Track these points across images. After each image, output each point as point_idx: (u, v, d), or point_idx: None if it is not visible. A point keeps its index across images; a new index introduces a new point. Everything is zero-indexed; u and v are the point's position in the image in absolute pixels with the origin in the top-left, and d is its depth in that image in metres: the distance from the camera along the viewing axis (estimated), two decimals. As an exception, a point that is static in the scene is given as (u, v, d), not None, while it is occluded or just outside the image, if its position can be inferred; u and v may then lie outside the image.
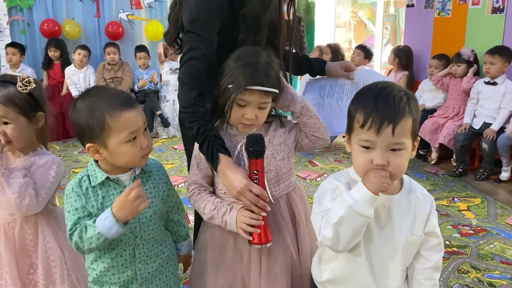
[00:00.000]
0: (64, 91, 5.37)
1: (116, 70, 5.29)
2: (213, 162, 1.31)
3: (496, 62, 3.58)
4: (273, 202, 1.37)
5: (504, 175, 3.51)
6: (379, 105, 1.04)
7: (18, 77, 1.38)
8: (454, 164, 3.93)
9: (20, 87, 1.35)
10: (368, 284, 1.17)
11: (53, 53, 5.41)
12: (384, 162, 1.04)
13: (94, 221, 1.18)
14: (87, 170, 1.28)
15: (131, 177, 1.29)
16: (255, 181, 1.29)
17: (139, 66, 5.45)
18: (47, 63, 5.50)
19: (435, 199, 3.39)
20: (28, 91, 1.36)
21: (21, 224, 1.41)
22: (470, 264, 2.44)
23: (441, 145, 4.06)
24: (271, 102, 1.35)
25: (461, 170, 3.80)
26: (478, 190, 3.52)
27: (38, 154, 1.44)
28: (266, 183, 1.32)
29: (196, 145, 1.39)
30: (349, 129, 1.13)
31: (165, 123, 5.09)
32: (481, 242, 2.69)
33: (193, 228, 1.73)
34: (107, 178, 1.25)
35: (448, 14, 4.29)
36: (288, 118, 1.50)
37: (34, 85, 1.36)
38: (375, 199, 1.04)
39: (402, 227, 1.14)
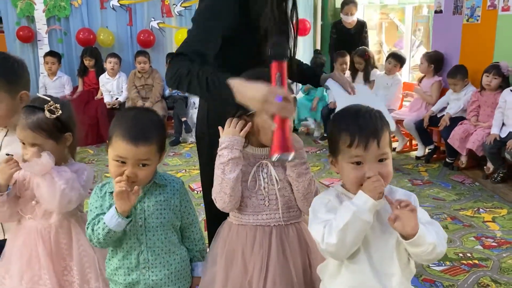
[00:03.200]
0: (98, 95, 5.60)
1: (147, 78, 5.46)
2: (227, 90, 1.28)
3: None
4: (283, 225, 1.42)
5: None
6: (362, 125, 1.18)
7: (46, 104, 1.47)
8: (487, 172, 3.87)
9: (48, 114, 1.45)
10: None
11: (89, 62, 5.64)
12: (376, 173, 1.17)
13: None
14: (109, 178, 1.44)
15: (143, 188, 1.40)
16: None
17: (169, 73, 5.60)
18: (83, 71, 5.75)
19: (459, 210, 3.37)
20: (55, 117, 1.47)
21: (56, 229, 1.53)
22: (491, 278, 2.43)
23: (469, 153, 4.01)
24: None
25: (502, 175, 3.74)
26: (505, 200, 3.47)
27: (69, 164, 1.56)
28: (279, 206, 1.38)
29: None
30: (335, 152, 1.24)
31: (187, 129, 5.26)
32: (504, 255, 2.66)
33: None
34: None
35: (478, 20, 4.23)
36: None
37: (60, 111, 1.47)
38: (375, 205, 1.15)
39: (388, 226, 1.20)
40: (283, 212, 1.43)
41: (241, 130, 1.38)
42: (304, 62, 1.96)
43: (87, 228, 1.38)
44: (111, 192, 1.38)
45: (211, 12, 1.47)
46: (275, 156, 1.22)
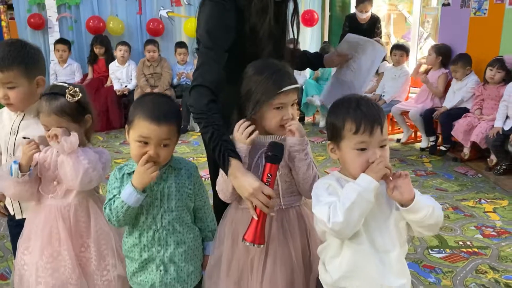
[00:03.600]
0: (108, 83, 5.68)
1: (155, 66, 5.54)
2: (225, 165, 1.44)
3: None
4: (284, 209, 1.50)
5: None
6: (366, 112, 1.25)
7: (66, 89, 1.56)
8: (490, 164, 3.94)
9: (69, 98, 1.54)
10: (379, 272, 1.28)
11: (99, 50, 5.72)
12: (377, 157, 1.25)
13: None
14: (128, 161, 1.53)
15: (160, 171, 1.46)
16: (266, 184, 1.40)
17: (178, 62, 5.68)
18: (93, 59, 5.83)
19: (461, 200, 3.43)
20: (76, 100, 1.56)
21: (75, 208, 1.62)
22: (489, 265, 2.50)
23: (472, 145, 4.07)
24: None
25: (504, 167, 3.81)
26: (507, 192, 3.53)
27: (89, 148, 1.65)
28: (280, 192, 1.46)
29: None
30: (338, 138, 1.30)
31: None
32: (503, 244, 2.74)
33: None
34: None
35: (485, 14, 4.26)
36: None
37: (80, 94, 1.56)
38: (378, 186, 1.22)
39: (388, 207, 1.29)
40: (283, 197, 1.50)
41: (249, 135, 1.45)
42: (311, 50, 2.07)
43: (105, 208, 1.46)
44: (129, 174, 1.47)
45: (214, 38, 1.55)
46: (248, 243, 1.39)
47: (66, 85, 1.58)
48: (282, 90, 1.42)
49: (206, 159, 1.80)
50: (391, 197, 1.24)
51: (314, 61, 2.02)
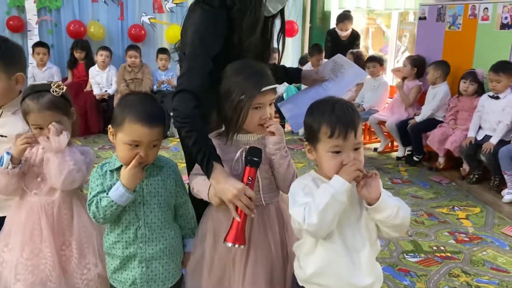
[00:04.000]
0: (87, 88, 5.63)
1: (136, 72, 5.53)
2: (208, 169, 1.47)
3: (502, 80, 3.68)
4: (264, 205, 1.54)
5: (507, 198, 3.47)
6: (341, 117, 1.29)
7: (49, 85, 1.59)
8: (463, 173, 4.05)
9: (56, 92, 1.56)
10: (349, 271, 1.32)
11: (79, 55, 5.68)
12: (352, 160, 1.29)
13: (107, 194, 1.44)
14: (110, 158, 1.53)
15: (144, 168, 1.49)
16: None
17: (159, 68, 5.69)
18: (73, 63, 5.78)
19: (436, 207, 3.53)
20: (61, 94, 1.57)
21: (59, 205, 1.62)
22: (461, 269, 2.58)
23: (447, 154, 4.19)
24: None
25: (477, 176, 3.91)
26: (479, 200, 3.64)
27: (74, 147, 1.67)
28: (260, 188, 1.51)
29: None
30: (314, 140, 1.34)
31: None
32: (474, 249, 2.82)
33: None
34: (122, 166, 1.47)
35: (459, 28, 4.41)
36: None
37: (64, 87, 1.58)
38: (350, 188, 1.27)
39: (360, 207, 1.34)
40: (264, 193, 1.55)
41: None
42: (291, 61, 2.10)
43: (90, 205, 1.46)
44: (112, 171, 1.49)
45: (203, 45, 1.57)
46: (229, 244, 1.44)
47: (46, 82, 1.62)
48: (261, 90, 1.46)
49: (185, 165, 1.81)
50: (359, 195, 1.29)
51: (292, 75, 2.01)
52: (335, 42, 5.70)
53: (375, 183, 1.27)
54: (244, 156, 1.49)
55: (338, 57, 2.04)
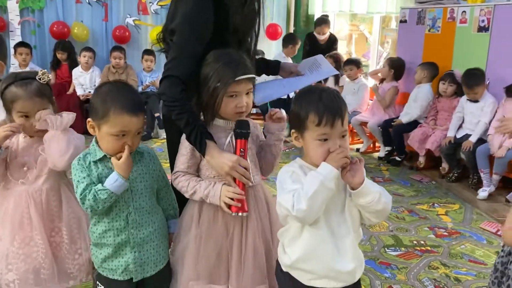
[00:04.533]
0: (71, 90, 5.59)
1: (121, 73, 5.52)
2: (201, 147, 1.53)
3: (478, 91, 3.82)
4: (253, 184, 1.59)
5: (481, 195, 3.61)
6: (329, 105, 1.31)
7: (33, 72, 1.61)
8: (443, 172, 4.14)
9: (42, 79, 1.58)
10: (333, 256, 1.36)
11: (61, 55, 5.65)
12: (338, 147, 1.33)
13: (103, 186, 1.44)
14: (89, 149, 1.53)
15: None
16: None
17: (144, 69, 5.69)
18: (55, 64, 5.74)
19: (416, 204, 3.58)
20: (46, 82, 1.60)
21: (47, 192, 1.63)
22: (441, 262, 2.65)
23: (427, 154, 4.28)
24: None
25: (456, 174, 4.02)
26: (458, 197, 3.73)
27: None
28: (250, 170, 1.55)
29: (183, 137, 1.61)
30: (302, 128, 1.36)
31: (161, 125, 5.33)
32: (453, 243, 2.90)
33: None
34: (105, 156, 1.49)
35: (438, 31, 4.52)
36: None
37: (50, 76, 1.60)
38: (338, 175, 1.30)
39: (345, 194, 1.38)
40: (253, 175, 1.60)
41: None
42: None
43: (83, 198, 1.45)
44: (95, 162, 1.50)
45: (193, 32, 1.60)
46: (234, 213, 1.53)
47: (28, 70, 1.63)
48: (236, 79, 1.51)
49: (169, 164, 1.83)
50: (343, 179, 1.33)
51: (271, 67, 2.04)
52: (313, 46, 5.82)
53: (359, 168, 1.31)
54: (233, 130, 1.54)
55: (320, 57, 2.09)
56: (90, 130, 1.50)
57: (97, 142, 1.52)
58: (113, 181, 1.44)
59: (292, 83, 1.96)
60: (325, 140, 1.33)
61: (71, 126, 1.62)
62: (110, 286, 1.57)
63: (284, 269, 1.44)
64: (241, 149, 1.54)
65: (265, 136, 1.70)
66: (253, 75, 1.59)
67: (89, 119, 1.48)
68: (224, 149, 1.57)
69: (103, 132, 1.45)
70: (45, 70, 1.62)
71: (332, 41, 5.95)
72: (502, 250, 1.61)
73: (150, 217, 1.56)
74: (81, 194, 1.46)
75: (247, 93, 1.57)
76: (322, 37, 5.86)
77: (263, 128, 1.71)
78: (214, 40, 1.63)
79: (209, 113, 1.58)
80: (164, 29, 1.73)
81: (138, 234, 1.53)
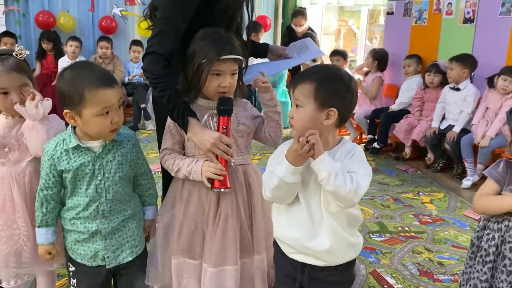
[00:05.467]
0: (56, 81, 5.53)
1: (107, 64, 5.47)
2: (184, 124, 1.53)
3: (454, 68, 3.85)
4: (233, 167, 1.60)
5: (465, 184, 3.64)
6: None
7: (9, 50, 1.59)
8: (428, 162, 4.18)
9: (20, 55, 1.57)
10: (308, 234, 1.36)
11: (46, 45, 5.57)
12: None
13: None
14: (64, 134, 1.48)
15: (102, 145, 1.48)
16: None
17: (131, 60, 5.65)
18: (41, 54, 5.67)
19: (401, 193, 3.61)
20: (23, 58, 1.58)
21: (30, 174, 1.62)
22: (424, 247, 2.68)
23: (413, 144, 4.32)
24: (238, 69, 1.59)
25: (441, 165, 4.06)
26: (442, 186, 3.78)
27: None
28: (232, 146, 1.57)
29: (169, 118, 1.61)
30: None
31: (147, 116, 5.30)
32: (437, 229, 2.94)
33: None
34: (78, 145, 1.45)
35: (424, 22, 4.56)
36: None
37: (27, 52, 1.58)
38: (298, 169, 1.29)
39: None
40: (233, 156, 1.59)
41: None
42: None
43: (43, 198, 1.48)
44: (67, 150, 1.46)
45: (175, 7, 1.57)
46: (216, 189, 1.54)
47: (3, 48, 1.62)
48: (221, 57, 1.51)
49: (156, 154, 1.83)
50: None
51: (260, 49, 2.04)
52: (292, 38, 5.80)
53: (317, 145, 1.27)
54: (216, 107, 1.55)
55: (308, 40, 2.10)
56: (71, 122, 1.43)
57: (73, 128, 1.46)
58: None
59: (279, 65, 1.97)
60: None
61: (58, 116, 1.59)
62: (80, 269, 1.55)
63: (276, 241, 1.49)
64: (224, 126, 1.54)
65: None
66: (239, 57, 1.57)
67: (65, 110, 1.40)
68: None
69: (86, 117, 1.38)
70: (22, 46, 1.59)
71: (309, 35, 6.02)
72: (478, 225, 1.64)
73: (122, 206, 1.54)
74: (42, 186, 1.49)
75: (232, 74, 1.57)
76: (299, 29, 5.92)
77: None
78: (202, 18, 1.63)
79: (193, 90, 1.58)
80: (149, 5, 1.72)
81: (109, 223, 1.52)
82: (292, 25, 5.98)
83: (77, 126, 1.47)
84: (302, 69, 2.84)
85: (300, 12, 5.96)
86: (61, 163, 1.44)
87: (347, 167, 1.31)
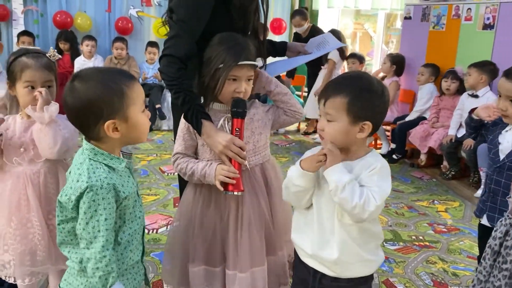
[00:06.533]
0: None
1: (123, 64, 5.51)
2: (198, 127, 1.53)
3: (472, 74, 3.79)
4: (249, 169, 1.58)
5: (480, 193, 3.56)
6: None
7: (43, 51, 1.64)
8: (444, 170, 4.12)
9: (52, 57, 1.63)
10: (317, 241, 1.35)
11: (63, 46, 5.63)
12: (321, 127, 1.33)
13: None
14: (94, 159, 1.17)
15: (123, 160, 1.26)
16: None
17: (146, 61, 5.68)
18: (58, 54, 5.72)
19: (416, 200, 3.55)
20: (54, 61, 1.63)
21: (45, 174, 1.63)
22: (439, 257, 2.63)
23: (429, 151, 4.25)
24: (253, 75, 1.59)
25: (453, 173, 4.00)
26: (458, 195, 3.71)
27: (59, 116, 1.65)
28: (245, 149, 1.56)
29: (181, 120, 1.61)
30: None
31: (162, 116, 5.34)
32: (452, 239, 2.88)
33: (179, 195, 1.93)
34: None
35: (443, 28, 4.50)
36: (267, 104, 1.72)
37: (59, 56, 1.62)
38: (306, 175, 1.30)
39: None
40: (249, 157, 1.59)
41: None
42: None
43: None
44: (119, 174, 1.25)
45: (191, 11, 1.58)
46: (229, 193, 1.53)
47: (37, 48, 1.66)
48: (238, 63, 1.51)
49: (169, 156, 1.83)
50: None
51: (278, 48, 2.03)
52: (297, 39, 5.49)
53: (334, 156, 1.27)
54: (230, 110, 1.55)
55: (328, 35, 2.10)
56: (114, 134, 1.17)
57: (93, 159, 1.17)
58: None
59: (298, 59, 1.98)
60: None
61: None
62: None
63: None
64: (237, 129, 1.54)
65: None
66: (255, 63, 1.58)
67: (108, 122, 1.15)
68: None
69: (133, 118, 1.18)
70: (55, 50, 1.66)
71: (313, 33, 5.75)
72: (498, 231, 1.55)
73: None
74: (102, 248, 1.11)
75: (248, 80, 1.57)
76: (301, 31, 5.45)
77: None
78: (219, 19, 1.63)
79: (209, 95, 1.58)
80: (167, 9, 1.72)
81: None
82: (294, 28, 5.58)
83: (107, 142, 1.20)
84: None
85: (299, 12, 5.49)
86: (122, 190, 1.17)
87: (364, 180, 1.28)
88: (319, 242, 1.35)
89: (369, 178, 1.28)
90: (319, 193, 1.35)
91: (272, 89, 1.65)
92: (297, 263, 1.48)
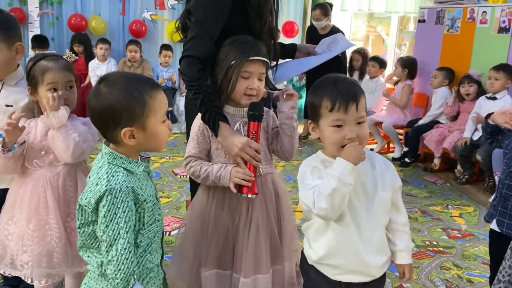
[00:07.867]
0: (86, 81, 5.64)
1: (136, 67, 5.55)
2: (215, 128, 1.54)
3: (500, 78, 3.75)
4: (262, 175, 1.59)
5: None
6: (342, 90, 1.29)
7: (59, 54, 1.69)
8: (458, 174, 4.08)
9: (70, 58, 1.66)
10: (361, 251, 1.32)
11: (77, 48, 5.68)
12: (354, 135, 1.28)
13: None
14: (113, 162, 1.19)
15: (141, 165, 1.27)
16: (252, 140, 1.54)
17: (161, 63, 5.73)
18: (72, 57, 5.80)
19: (430, 205, 3.53)
20: (71, 62, 1.64)
21: (64, 177, 1.65)
22: (453, 263, 2.60)
23: (442, 156, 4.22)
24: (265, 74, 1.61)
25: (467, 177, 3.96)
26: (472, 200, 3.67)
27: (75, 118, 1.69)
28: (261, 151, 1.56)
29: (193, 123, 1.62)
30: (316, 117, 1.34)
31: (173, 119, 5.37)
32: (467, 244, 2.85)
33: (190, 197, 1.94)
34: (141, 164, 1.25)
35: (457, 31, 4.46)
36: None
37: (76, 57, 1.64)
38: (355, 169, 1.26)
39: (373, 187, 1.34)
40: (262, 164, 1.60)
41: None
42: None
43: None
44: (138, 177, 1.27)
45: (209, 12, 1.60)
46: (244, 195, 1.52)
47: (53, 52, 1.69)
48: (250, 58, 1.53)
49: (182, 158, 1.84)
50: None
51: (288, 49, 2.03)
52: (314, 37, 5.05)
53: (352, 149, 1.28)
54: (247, 112, 1.55)
55: (339, 35, 2.09)
56: (130, 141, 1.18)
57: (112, 163, 1.18)
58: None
59: (311, 61, 1.96)
60: (340, 126, 1.29)
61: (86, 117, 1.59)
62: None
63: (310, 263, 1.43)
64: (253, 132, 1.54)
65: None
66: (267, 60, 1.60)
67: (125, 129, 1.16)
68: None
69: (152, 128, 1.18)
70: (71, 52, 1.68)
71: (334, 33, 5.60)
72: None
73: None
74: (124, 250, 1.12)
75: (260, 79, 1.58)
76: (320, 27, 5.05)
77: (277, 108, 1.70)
78: (237, 19, 1.64)
79: (222, 94, 1.59)
80: (183, 11, 1.74)
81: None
82: (312, 20, 5.24)
83: (124, 146, 1.21)
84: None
85: (321, 6, 5.13)
86: (141, 193, 1.18)
87: (397, 183, 1.43)
88: (362, 251, 1.33)
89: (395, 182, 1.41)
90: (354, 196, 1.31)
91: (284, 120, 1.63)
92: (317, 282, 1.40)
